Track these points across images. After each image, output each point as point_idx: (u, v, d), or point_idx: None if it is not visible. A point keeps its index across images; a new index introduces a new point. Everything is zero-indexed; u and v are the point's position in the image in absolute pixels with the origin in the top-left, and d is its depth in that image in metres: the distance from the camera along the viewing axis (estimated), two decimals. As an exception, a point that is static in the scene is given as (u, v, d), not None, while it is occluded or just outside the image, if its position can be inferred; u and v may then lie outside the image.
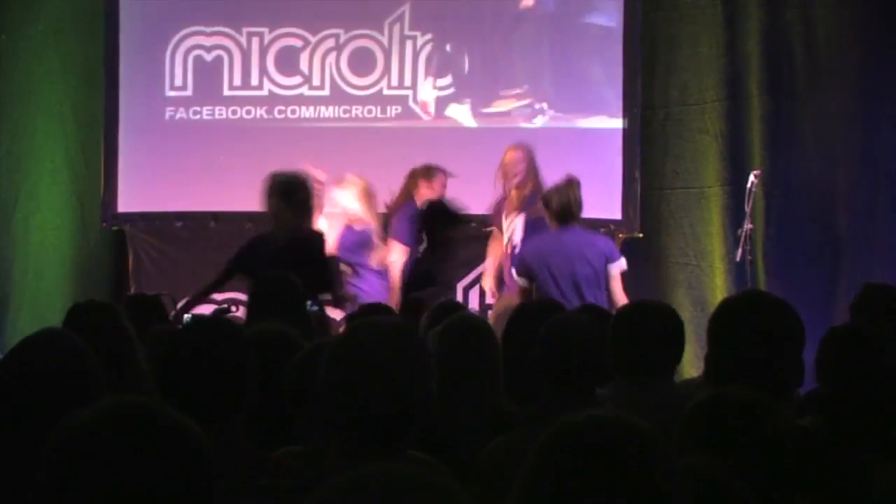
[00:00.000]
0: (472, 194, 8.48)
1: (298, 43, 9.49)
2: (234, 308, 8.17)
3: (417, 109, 9.42)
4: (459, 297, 8.88)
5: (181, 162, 9.33)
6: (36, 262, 9.31)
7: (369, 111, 9.41)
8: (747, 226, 7.44)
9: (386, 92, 9.41)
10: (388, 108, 9.40)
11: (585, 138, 8.92)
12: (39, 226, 9.30)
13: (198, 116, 9.48)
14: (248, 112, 9.48)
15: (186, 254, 9.20)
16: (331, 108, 9.47)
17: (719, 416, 2.36)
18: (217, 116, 9.49)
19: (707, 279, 8.37)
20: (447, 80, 9.35)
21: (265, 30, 9.49)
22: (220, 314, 7.57)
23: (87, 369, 2.68)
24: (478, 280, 8.97)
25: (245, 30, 9.51)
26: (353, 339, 2.45)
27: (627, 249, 8.34)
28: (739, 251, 7.53)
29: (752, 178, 7.55)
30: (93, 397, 2.58)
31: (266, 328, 3.67)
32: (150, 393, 3.08)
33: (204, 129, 9.43)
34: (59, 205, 9.23)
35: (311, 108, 9.48)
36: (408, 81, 9.40)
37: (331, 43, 9.46)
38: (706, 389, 2.60)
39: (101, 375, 2.67)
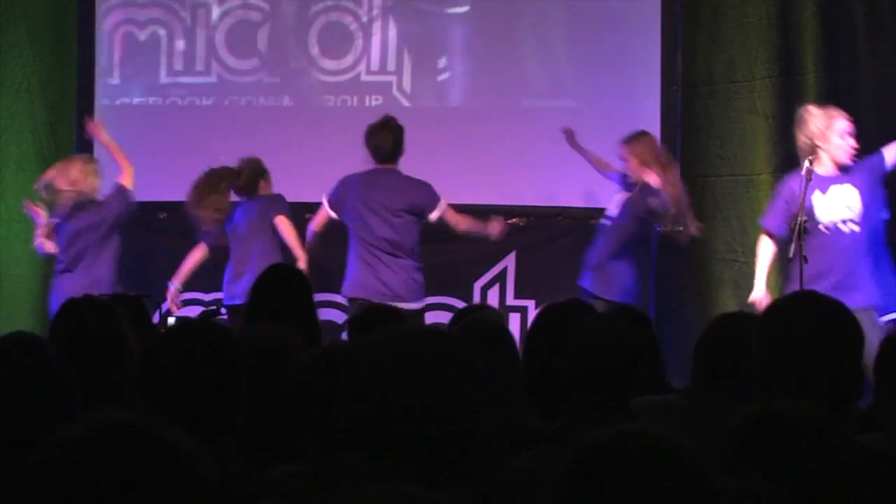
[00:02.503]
0: (477, 183, 8.49)
1: (257, 17, 9.25)
2: (223, 310, 8.18)
3: (402, 99, 9.05)
4: (476, 298, 8.89)
5: (160, 146, 9.32)
6: (1, 257, 9.32)
7: (344, 101, 9.13)
8: (801, 218, 7.42)
9: (365, 78, 9.15)
10: (368, 97, 9.08)
11: (617, 119, 8.90)
12: (4, 217, 9.32)
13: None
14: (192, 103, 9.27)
15: (170, 249, 9.19)
16: (294, 97, 9.13)
17: (769, 432, 2.37)
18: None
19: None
20: (440, 62, 9.02)
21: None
22: (208, 316, 7.59)
23: (60, 377, 2.69)
24: (497, 279, 8.97)
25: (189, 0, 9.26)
26: (392, 344, 2.33)
27: (666, 244, 8.34)
28: (792, 247, 7.50)
29: (806, 163, 7.52)
30: (67, 408, 2.60)
31: (260, 332, 3.68)
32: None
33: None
34: (27, 193, 9.23)
35: (271, 98, 9.16)
36: (391, 65, 9.12)
37: (296, 16, 9.13)
38: (755, 402, 2.60)
39: (75, 384, 2.69)
